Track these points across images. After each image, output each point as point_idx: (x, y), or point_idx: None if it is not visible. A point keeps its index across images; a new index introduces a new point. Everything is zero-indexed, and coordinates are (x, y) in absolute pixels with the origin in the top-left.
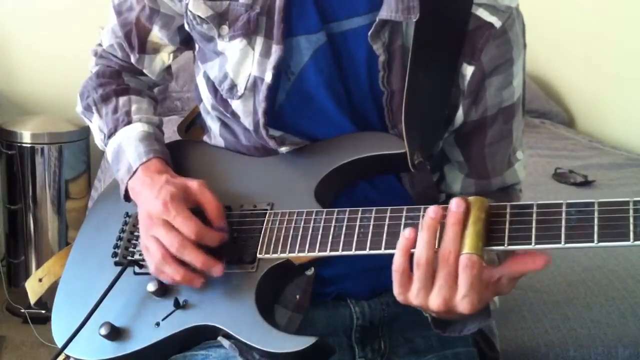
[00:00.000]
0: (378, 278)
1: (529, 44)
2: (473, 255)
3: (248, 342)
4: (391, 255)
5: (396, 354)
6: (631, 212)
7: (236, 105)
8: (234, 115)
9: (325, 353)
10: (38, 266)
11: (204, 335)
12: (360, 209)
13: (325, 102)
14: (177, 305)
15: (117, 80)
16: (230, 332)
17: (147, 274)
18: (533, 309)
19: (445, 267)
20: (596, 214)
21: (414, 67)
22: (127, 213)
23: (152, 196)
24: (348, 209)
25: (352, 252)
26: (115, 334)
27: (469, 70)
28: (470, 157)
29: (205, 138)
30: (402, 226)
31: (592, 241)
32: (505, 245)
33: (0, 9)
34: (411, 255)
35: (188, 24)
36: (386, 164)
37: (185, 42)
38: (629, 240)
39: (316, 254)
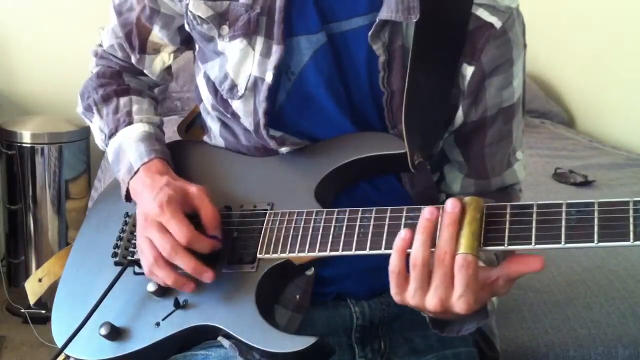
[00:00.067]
0: (378, 278)
1: (529, 44)
2: (468, 255)
3: (248, 342)
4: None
5: (396, 354)
6: (631, 212)
7: (236, 105)
8: (234, 115)
9: (325, 353)
10: (38, 266)
11: (204, 335)
12: (360, 209)
13: (326, 102)
14: (177, 305)
15: (118, 80)
16: (231, 332)
17: None
18: (533, 309)
19: (441, 268)
20: (596, 214)
21: (414, 67)
22: (127, 213)
23: (150, 197)
24: (348, 209)
25: (352, 252)
26: (115, 334)
27: (469, 70)
28: (470, 157)
29: (205, 138)
30: (402, 226)
31: (592, 241)
32: (505, 245)
33: (0, 9)
34: (407, 256)
35: (188, 24)
36: (386, 164)
37: (185, 42)
38: (629, 240)
39: (316, 254)
